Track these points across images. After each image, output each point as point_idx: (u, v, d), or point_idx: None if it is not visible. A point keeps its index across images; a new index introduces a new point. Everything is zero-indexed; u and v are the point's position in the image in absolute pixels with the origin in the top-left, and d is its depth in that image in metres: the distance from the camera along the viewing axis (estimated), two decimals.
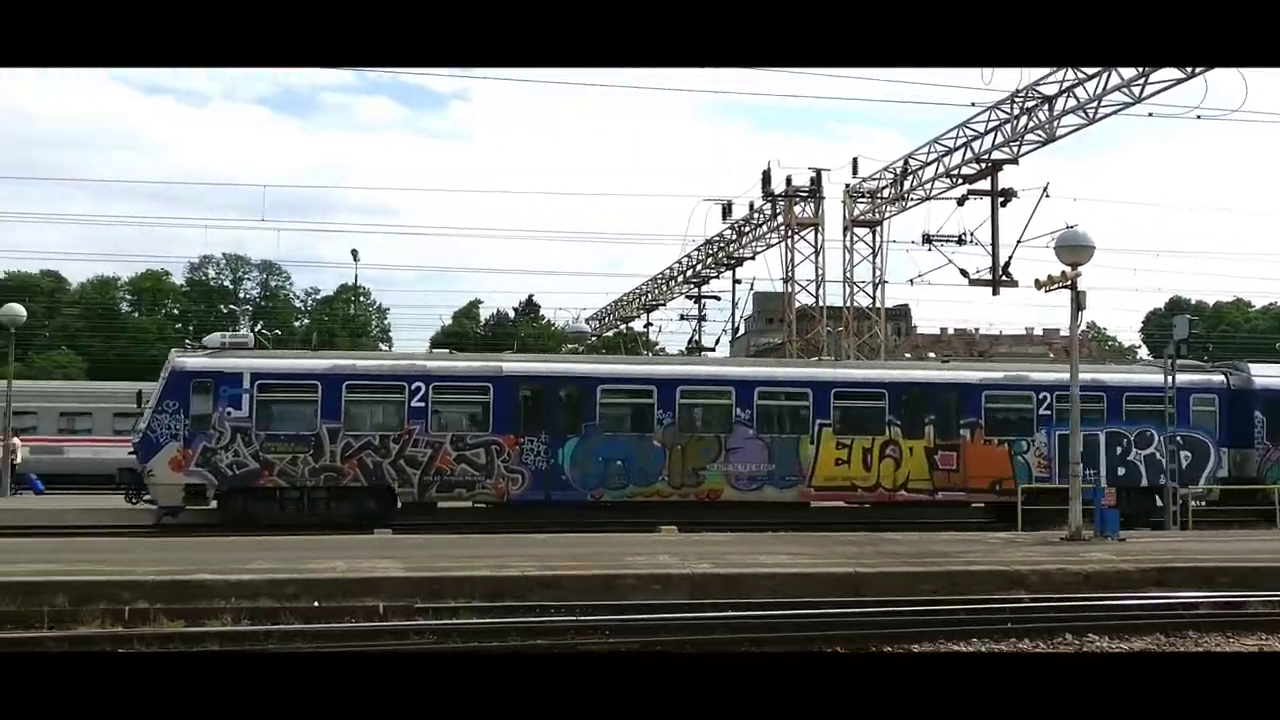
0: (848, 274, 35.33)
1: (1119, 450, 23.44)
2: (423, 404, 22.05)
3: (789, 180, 35.26)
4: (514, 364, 23.76)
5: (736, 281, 41.53)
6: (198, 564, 13.45)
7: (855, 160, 34.09)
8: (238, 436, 21.47)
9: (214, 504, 21.95)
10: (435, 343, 69.75)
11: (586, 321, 52.43)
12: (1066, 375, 24.78)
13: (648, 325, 48.58)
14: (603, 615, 11.80)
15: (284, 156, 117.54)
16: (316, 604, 12.05)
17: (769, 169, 35.53)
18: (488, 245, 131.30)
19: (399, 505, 22.29)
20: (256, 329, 79.77)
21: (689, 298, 44.40)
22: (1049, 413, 23.77)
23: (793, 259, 35.91)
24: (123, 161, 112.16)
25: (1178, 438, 22.85)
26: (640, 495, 22.64)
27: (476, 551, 15.26)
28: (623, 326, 53.35)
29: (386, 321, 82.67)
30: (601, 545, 16.33)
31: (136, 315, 79.26)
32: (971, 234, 29.79)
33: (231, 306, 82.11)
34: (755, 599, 12.81)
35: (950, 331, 79.16)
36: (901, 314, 66.44)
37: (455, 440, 22.10)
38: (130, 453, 22.58)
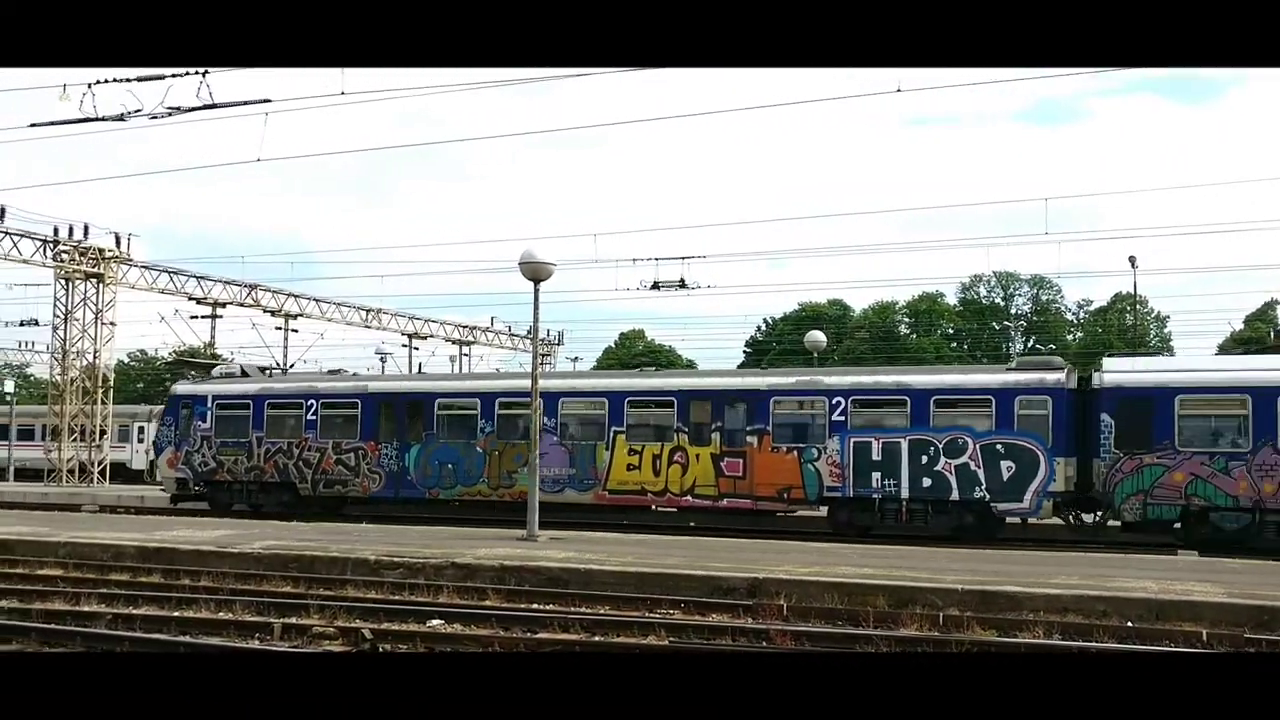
0: None
1: (924, 459, 21.58)
2: (314, 418, 26.93)
3: None
4: (376, 384, 28.61)
5: None
6: (1003, 575, 13.67)
7: None
8: (204, 443, 27.84)
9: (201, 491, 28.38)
10: (1225, 350, 63.73)
11: None
12: (864, 378, 23.67)
13: None
14: None
15: (1056, 168, 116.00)
16: (1129, 624, 11.57)
17: None
18: None
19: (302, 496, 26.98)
20: (1029, 345, 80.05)
21: None
22: (843, 419, 22.34)
23: None
24: (897, 192, 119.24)
25: (992, 445, 21.22)
26: (466, 495, 25.44)
27: None
28: None
29: (1166, 330, 77.64)
30: None
31: (914, 337, 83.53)
32: None
33: (1005, 324, 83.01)
34: None
35: None
36: None
37: (335, 446, 26.66)
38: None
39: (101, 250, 39.85)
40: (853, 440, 22.15)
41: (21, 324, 53.85)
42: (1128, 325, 74.01)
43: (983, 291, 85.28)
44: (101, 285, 40.13)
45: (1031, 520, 21.38)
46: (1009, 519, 21.40)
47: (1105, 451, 20.56)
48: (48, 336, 43.41)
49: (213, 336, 47.10)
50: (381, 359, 38.79)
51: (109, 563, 17.19)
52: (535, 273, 18.72)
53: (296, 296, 48.46)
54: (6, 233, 36.85)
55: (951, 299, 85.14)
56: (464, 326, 58.74)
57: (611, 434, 24.25)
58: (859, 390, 22.65)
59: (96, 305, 40.25)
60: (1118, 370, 21.99)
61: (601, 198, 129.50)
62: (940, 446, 21.50)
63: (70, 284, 39.88)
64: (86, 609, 12.93)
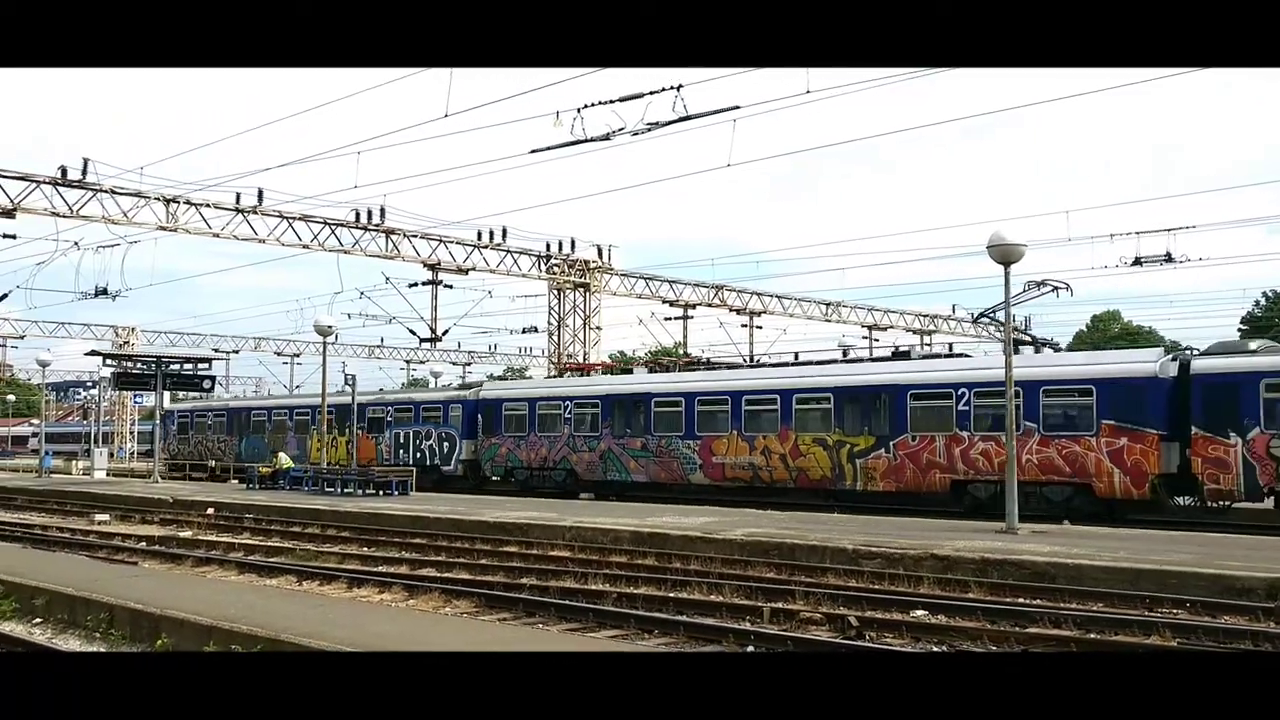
0: None
1: (418, 440, 37.61)
2: (212, 423, 47.41)
3: None
4: (235, 402, 51.83)
5: None
6: None
7: None
8: (174, 439, 49.67)
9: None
10: None
11: None
12: (400, 395, 41.90)
13: None
14: None
15: None
16: None
17: None
18: None
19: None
20: None
21: None
22: (391, 420, 38.84)
23: None
24: None
25: (442, 433, 37.12)
26: (262, 468, 36.50)
27: None
28: None
29: None
30: None
31: None
32: None
33: None
34: None
35: None
36: None
37: (218, 439, 46.93)
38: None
39: (587, 262, 43.53)
40: (394, 432, 38.62)
41: (524, 331, 59.69)
42: None
43: None
44: (588, 293, 43.84)
45: (452, 473, 36.55)
46: (446, 473, 36.20)
47: (479, 434, 35.33)
48: (544, 342, 48.01)
49: (685, 336, 49.74)
50: (844, 351, 38.99)
51: (608, 545, 18.71)
52: (1005, 255, 17.99)
53: (759, 294, 50.11)
54: (509, 250, 41.24)
55: None
56: (924, 316, 57.84)
57: (310, 430, 41.04)
58: (396, 403, 39.29)
59: (584, 311, 44.03)
60: (487, 388, 37.35)
61: (1076, 173, 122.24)
62: (423, 434, 37.44)
63: (561, 293, 43.94)
64: (593, 587, 14.17)
